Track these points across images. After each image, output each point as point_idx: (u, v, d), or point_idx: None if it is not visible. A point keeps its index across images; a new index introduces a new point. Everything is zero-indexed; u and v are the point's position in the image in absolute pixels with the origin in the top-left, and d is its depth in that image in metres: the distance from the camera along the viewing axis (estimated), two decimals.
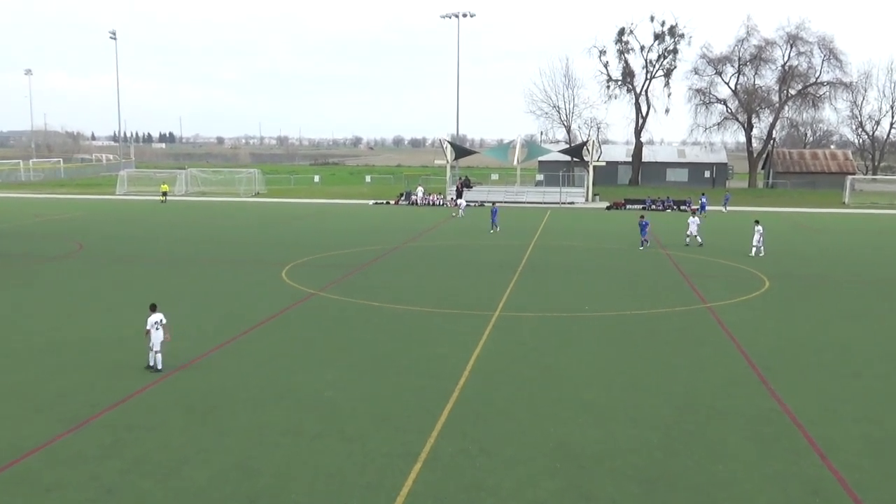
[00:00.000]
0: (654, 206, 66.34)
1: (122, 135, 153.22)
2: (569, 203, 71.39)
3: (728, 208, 64.81)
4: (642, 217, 42.92)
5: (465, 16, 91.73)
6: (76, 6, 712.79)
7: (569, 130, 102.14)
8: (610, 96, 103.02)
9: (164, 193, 72.28)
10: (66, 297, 26.50)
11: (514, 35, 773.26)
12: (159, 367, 17.92)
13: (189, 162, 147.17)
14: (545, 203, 71.13)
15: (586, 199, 73.83)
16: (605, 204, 70.00)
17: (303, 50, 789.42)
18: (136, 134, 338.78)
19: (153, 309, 18.25)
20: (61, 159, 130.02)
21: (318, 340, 21.00)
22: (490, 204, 60.93)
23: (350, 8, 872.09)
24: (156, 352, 17.93)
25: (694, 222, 41.99)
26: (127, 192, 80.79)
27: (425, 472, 12.61)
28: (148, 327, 17.90)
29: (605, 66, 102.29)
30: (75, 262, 34.66)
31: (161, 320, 17.97)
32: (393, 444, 13.72)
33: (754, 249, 37.13)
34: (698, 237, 41.64)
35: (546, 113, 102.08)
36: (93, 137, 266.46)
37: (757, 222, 38.44)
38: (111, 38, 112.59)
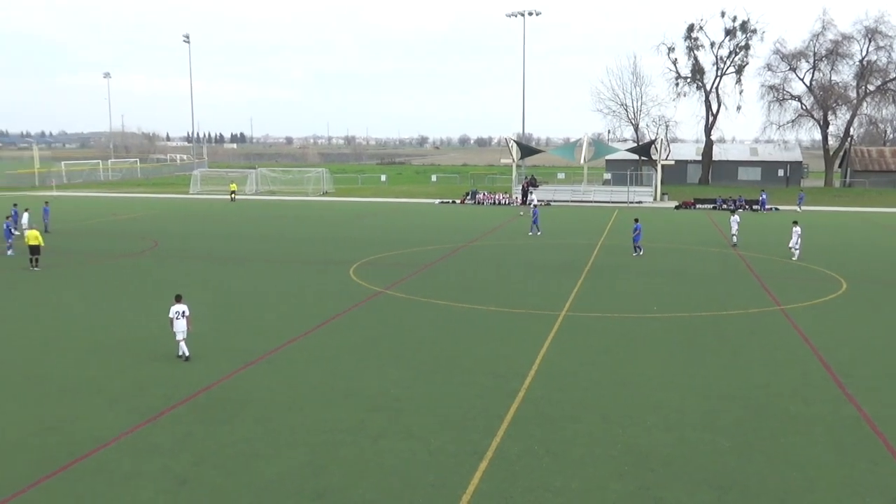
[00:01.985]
0: (724, 206, 64.92)
1: (195, 135, 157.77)
2: (636, 202, 70.41)
3: (802, 208, 63.01)
4: (636, 220, 38.13)
5: (530, 14, 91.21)
6: (152, 11, 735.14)
7: (636, 129, 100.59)
8: (679, 94, 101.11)
9: (233, 192, 73.83)
10: (142, 293, 27.26)
11: (581, 33, 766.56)
12: (186, 355, 18.71)
13: (259, 161, 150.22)
14: (612, 202, 70.30)
15: (654, 199, 72.69)
16: (674, 203, 68.81)
17: (370, 49, 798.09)
18: (209, 134, 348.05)
19: (178, 299, 18.99)
20: (138, 159, 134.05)
21: (384, 338, 21.14)
22: (541, 203, 60.48)
23: (416, 7, 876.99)
24: (178, 340, 18.72)
25: (735, 221, 40.53)
26: (199, 192, 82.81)
27: (491, 471, 12.56)
28: (171, 315, 18.65)
29: (674, 63, 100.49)
30: (150, 259, 35.66)
31: (184, 311, 18.69)
32: (458, 444, 13.71)
33: (797, 253, 35.57)
34: (735, 237, 40.41)
35: (613, 111, 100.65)
36: (168, 138, 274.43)
37: (795, 223, 36.82)
38: (185, 41, 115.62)
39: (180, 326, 18.66)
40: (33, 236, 32.44)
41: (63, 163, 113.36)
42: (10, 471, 12.53)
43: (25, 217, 41.79)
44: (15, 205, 46.00)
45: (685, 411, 15.44)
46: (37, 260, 32.10)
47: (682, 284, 29.41)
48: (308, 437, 13.99)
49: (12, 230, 37.32)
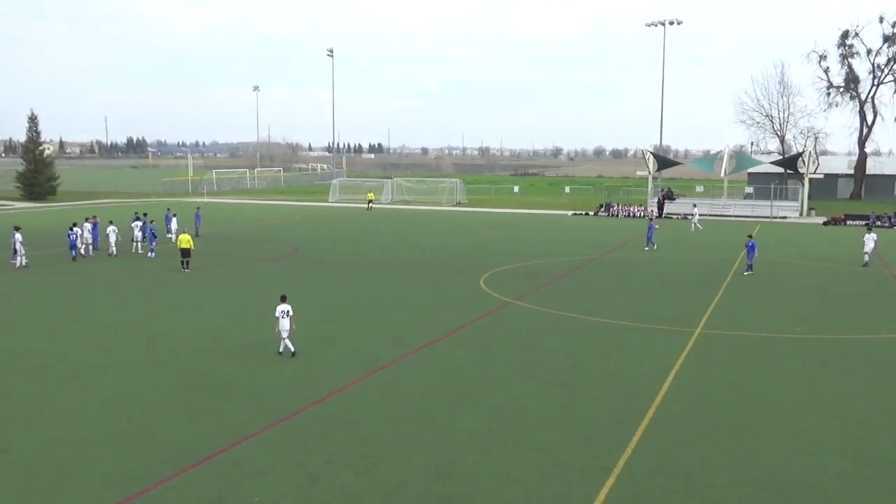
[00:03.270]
0: (878, 223, 60.97)
1: (335, 146, 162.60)
2: (780, 217, 67.29)
3: None
4: (749, 237, 35.72)
5: (671, 23, 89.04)
6: (298, 26, 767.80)
7: (782, 140, 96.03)
8: (830, 104, 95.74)
9: (370, 201, 75.84)
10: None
11: (723, 41, 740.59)
12: (292, 349, 19.79)
13: (395, 171, 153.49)
14: (754, 217, 67.46)
15: (800, 214, 69.23)
16: (822, 219, 65.26)
17: (505, 60, 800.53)
18: (348, 145, 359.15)
19: (283, 300, 20.01)
20: (281, 168, 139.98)
21: (513, 349, 21.12)
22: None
23: (552, 18, 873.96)
24: (283, 338, 19.76)
25: (871, 238, 37.31)
26: (338, 200, 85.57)
27: (618, 488, 12.29)
28: (277, 315, 19.75)
29: (826, 71, 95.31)
30: (290, 264, 37.17)
31: (288, 311, 19.72)
32: (584, 458, 13.51)
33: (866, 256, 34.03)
34: (866, 256, 37.25)
35: (758, 122, 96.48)
36: (310, 148, 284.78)
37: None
38: (328, 55, 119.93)
39: (285, 325, 19.77)
40: (185, 240, 34.49)
41: (214, 171, 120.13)
42: (157, 459, 13.36)
43: (174, 222, 44.45)
44: (168, 209, 49.09)
45: (828, 438, 14.59)
46: (188, 262, 34.09)
47: (828, 304, 27.84)
48: (435, 443, 14.17)
49: (155, 233, 39.70)
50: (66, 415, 15.63)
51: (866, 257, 37.48)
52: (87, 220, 40.64)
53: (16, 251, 34.55)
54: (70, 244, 37.11)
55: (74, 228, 37.54)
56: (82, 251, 37.94)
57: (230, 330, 22.99)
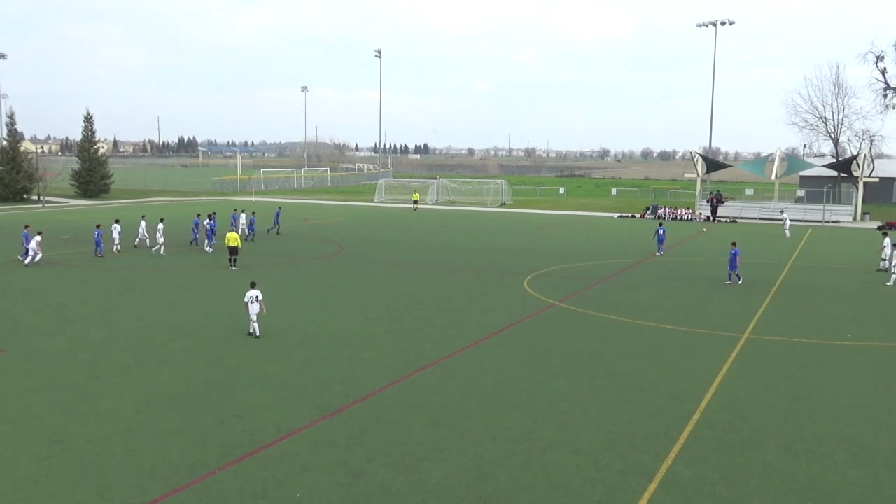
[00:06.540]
0: None
1: (381, 146, 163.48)
2: (833, 222, 65.86)
3: None
4: (734, 245, 33.12)
5: (723, 24, 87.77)
6: (346, 28, 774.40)
7: (836, 143, 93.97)
8: (887, 106, 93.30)
9: (415, 202, 76.15)
10: (326, 295, 28.71)
11: (776, 42, 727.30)
12: (257, 334, 21.54)
13: (441, 172, 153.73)
14: (806, 221, 66.13)
15: (854, 218, 67.67)
16: (876, 224, 63.71)
17: (552, 61, 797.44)
18: (395, 145, 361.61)
19: (252, 286, 21.72)
20: (328, 168, 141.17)
21: (556, 351, 21.03)
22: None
23: (601, 19, 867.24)
24: (252, 321, 21.58)
25: (889, 244, 34.79)
26: (384, 200, 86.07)
27: (660, 493, 12.17)
28: (245, 300, 21.51)
29: (883, 72, 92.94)
30: (336, 263, 37.49)
31: (257, 296, 21.17)
32: (626, 462, 13.40)
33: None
34: (884, 262, 35.44)
35: (811, 124, 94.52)
36: (356, 148, 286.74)
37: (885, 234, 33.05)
38: (376, 56, 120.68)
39: (254, 309, 21.17)
40: (233, 238, 35.06)
41: (262, 170, 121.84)
42: (203, 453, 13.61)
43: (243, 218, 45.41)
44: (235, 209, 49.90)
45: (878, 449, 14.25)
46: (235, 260, 34.65)
47: (881, 311, 27.17)
48: (476, 444, 14.18)
49: (215, 230, 40.89)
50: (117, 408, 15.99)
51: (882, 264, 35.87)
52: (209, 216, 42.44)
53: (28, 251, 35.10)
54: (95, 241, 38.38)
55: (100, 228, 38.83)
56: (136, 244, 39.59)
57: (276, 327, 23.25)
